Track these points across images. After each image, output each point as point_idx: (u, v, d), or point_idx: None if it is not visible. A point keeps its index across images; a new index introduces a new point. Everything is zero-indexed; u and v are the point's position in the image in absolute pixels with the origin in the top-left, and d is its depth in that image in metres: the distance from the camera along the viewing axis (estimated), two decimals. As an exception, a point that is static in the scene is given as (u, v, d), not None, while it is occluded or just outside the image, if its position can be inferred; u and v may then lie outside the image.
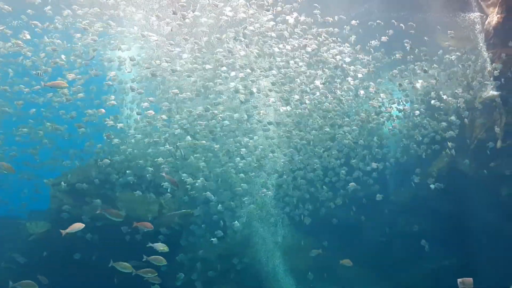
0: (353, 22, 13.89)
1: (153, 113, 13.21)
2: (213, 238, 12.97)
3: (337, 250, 13.68)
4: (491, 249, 13.45)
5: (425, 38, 14.32)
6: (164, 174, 12.25)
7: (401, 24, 13.92)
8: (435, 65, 14.86)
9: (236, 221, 13.49)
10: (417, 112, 14.49)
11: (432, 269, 14.25)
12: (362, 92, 14.36)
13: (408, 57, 14.41)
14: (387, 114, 14.71)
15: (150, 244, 11.05)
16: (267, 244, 14.28)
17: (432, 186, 13.80)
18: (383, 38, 13.96)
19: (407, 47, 14.04)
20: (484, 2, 13.87)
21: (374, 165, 13.91)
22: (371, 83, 14.42)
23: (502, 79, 13.27)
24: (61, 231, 10.04)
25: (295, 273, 14.20)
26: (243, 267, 13.56)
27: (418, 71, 14.67)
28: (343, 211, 14.42)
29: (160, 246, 11.00)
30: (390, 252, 14.31)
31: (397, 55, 14.29)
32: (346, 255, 12.67)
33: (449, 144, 13.77)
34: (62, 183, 13.25)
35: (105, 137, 13.48)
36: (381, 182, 14.73)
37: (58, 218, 12.78)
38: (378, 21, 13.96)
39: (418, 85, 15.03)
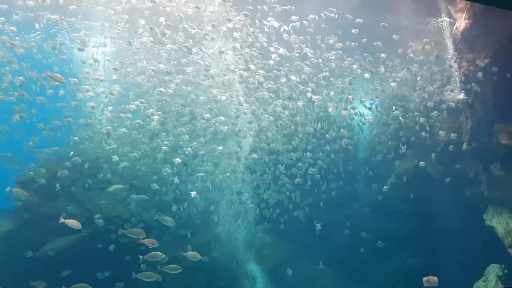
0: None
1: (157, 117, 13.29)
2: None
3: (305, 249, 13.80)
4: (455, 249, 13.77)
5: (377, 43, 14.32)
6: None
7: (360, 20, 13.85)
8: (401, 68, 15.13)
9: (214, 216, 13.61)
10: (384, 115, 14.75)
11: (397, 268, 14.49)
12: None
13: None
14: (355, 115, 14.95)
15: (183, 253, 11.58)
16: (237, 243, 14.31)
17: (385, 188, 14.13)
18: (337, 45, 14.07)
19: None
20: (453, 8, 14.14)
21: (311, 170, 14.14)
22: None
23: (469, 83, 13.62)
24: (61, 218, 10.60)
25: (265, 271, 14.30)
26: (212, 266, 13.56)
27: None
28: (311, 211, 14.62)
29: (192, 255, 11.51)
30: (356, 251, 14.47)
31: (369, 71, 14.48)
32: (314, 254, 12.83)
33: (403, 149, 14.00)
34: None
35: (104, 132, 13.52)
36: (350, 182, 15.02)
37: (23, 217, 12.61)
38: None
39: (387, 88, 15.21)
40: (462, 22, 13.72)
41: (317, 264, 13.41)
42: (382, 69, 14.98)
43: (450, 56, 14.15)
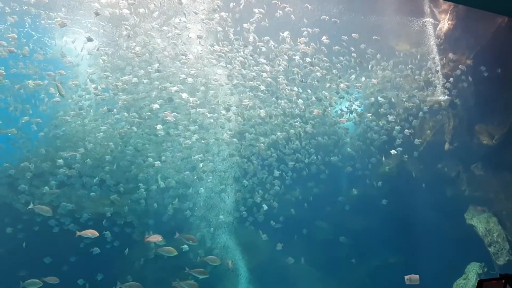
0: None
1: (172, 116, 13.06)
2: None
3: (286, 248, 13.72)
4: (436, 247, 13.88)
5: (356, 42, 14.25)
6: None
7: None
8: (384, 68, 15.19)
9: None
10: (369, 115, 14.75)
11: (378, 266, 14.60)
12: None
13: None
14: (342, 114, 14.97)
15: (204, 258, 11.85)
16: (222, 242, 14.16)
17: (354, 192, 14.18)
18: (302, 49, 14.06)
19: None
20: (437, 9, 14.27)
21: (276, 172, 14.13)
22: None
23: (451, 84, 13.76)
24: (77, 232, 10.72)
25: (249, 269, 14.18)
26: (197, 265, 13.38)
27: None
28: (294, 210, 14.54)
29: (212, 260, 11.90)
30: (338, 249, 14.50)
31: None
32: (295, 253, 12.78)
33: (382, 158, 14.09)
34: None
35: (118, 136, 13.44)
36: (331, 182, 15.01)
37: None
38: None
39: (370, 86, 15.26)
40: (445, 23, 13.85)
41: (299, 263, 13.34)
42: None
43: (433, 56, 14.26)
